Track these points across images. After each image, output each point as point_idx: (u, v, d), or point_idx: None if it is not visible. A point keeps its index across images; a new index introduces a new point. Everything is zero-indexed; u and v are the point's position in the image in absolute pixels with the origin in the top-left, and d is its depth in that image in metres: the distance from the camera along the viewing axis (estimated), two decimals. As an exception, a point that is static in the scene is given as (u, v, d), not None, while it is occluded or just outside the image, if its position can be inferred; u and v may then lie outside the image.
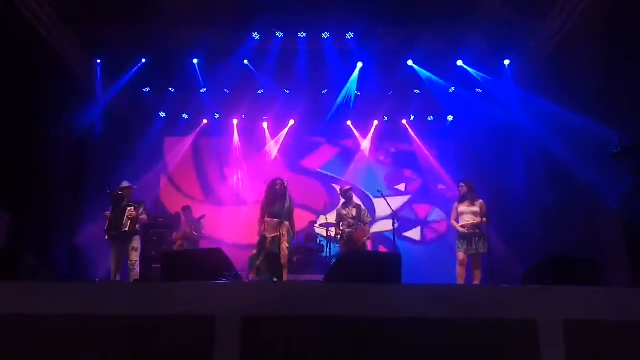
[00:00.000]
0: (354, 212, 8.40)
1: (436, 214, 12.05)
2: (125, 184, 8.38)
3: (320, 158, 12.68)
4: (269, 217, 7.64)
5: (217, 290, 3.17)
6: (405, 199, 12.26)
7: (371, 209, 11.10)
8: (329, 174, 12.45)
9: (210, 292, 3.13)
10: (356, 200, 8.83)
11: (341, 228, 8.41)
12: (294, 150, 12.51)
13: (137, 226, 8.04)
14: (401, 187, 12.39)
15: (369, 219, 8.57)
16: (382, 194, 8.98)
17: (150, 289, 3.23)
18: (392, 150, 12.56)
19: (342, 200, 8.72)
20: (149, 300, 3.05)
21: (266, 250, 7.45)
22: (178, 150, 12.33)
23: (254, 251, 7.72)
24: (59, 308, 2.95)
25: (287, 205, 7.69)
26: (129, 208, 7.97)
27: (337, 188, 9.08)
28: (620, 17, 7.06)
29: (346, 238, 8.29)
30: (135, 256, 7.96)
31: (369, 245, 8.73)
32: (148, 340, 2.90)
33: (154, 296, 3.09)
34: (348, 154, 12.57)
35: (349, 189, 8.66)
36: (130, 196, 8.31)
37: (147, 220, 8.48)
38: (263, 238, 7.56)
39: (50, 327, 2.89)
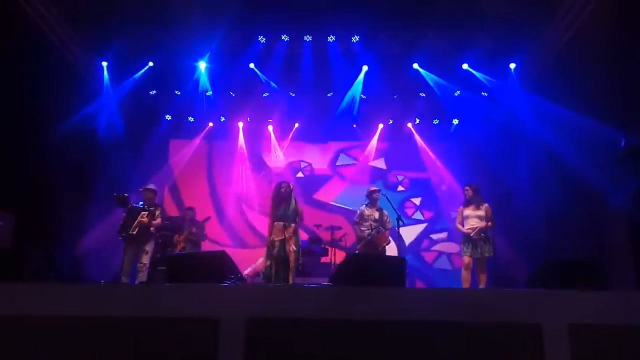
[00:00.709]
0: (376, 214, 8.36)
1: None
2: (149, 186, 8.45)
3: (332, 191, 12.45)
4: (275, 220, 7.65)
5: (221, 293, 3.17)
6: (422, 227, 12.18)
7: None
8: (343, 206, 12.18)
9: (214, 294, 3.13)
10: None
11: (361, 229, 8.34)
12: (307, 184, 12.38)
13: (151, 229, 8.10)
14: (417, 215, 12.28)
15: (390, 225, 8.46)
16: (385, 196, 8.93)
17: (155, 291, 3.24)
18: (400, 189, 12.46)
19: (367, 201, 8.66)
20: (154, 302, 3.06)
21: (274, 256, 7.44)
22: (184, 153, 12.35)
23: (268, 262, 7.64)
24: (63, 309, 2.95)
25: (292, 207, 7.68)
26: (142, 212, 8.02)
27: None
28: (626, 20, 7.04)
29: (365, 242, 8.22)
30: (145, 259, 8.02)
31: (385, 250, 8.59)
32: (153, 342, 2.90)
33: (159, 298, 3.09)
34: (357, 186, 12.16)
35: (376, 190, 8.60)
36: (152, 199, 8.35)
37: (161, 224, 8.51)
38: (271, 243, 7.56)
39: (54, 328, 2.89)
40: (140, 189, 8.46)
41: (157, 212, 8.22)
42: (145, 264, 8.00)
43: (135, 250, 7.98)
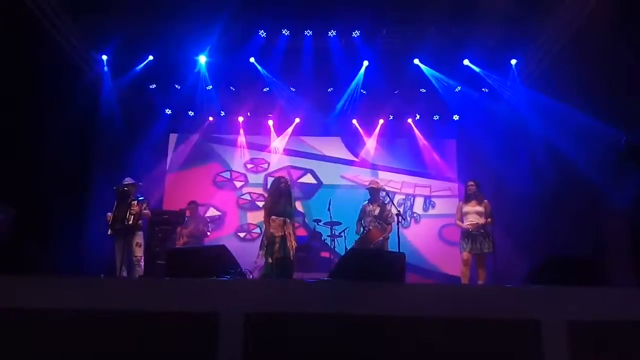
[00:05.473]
0: (377, 210, 8.27)
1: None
2: (128, 180, 8.38)
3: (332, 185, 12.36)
4: (274, 215, 7.63)
5: (221, 287, 3.17)
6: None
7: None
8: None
9: (214, 288, 3.13)
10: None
11: (363, 225, 8.29)
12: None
13: (139, 222, 8.07)
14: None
15: (392, 220, 8.38)
16: (386, 193, 8.90)
17: (155, 285, 3.24)
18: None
19: (369, 197, 8.56)
20: (153, 296, 3.05)
21: (275, 255, 7.40)
22: (183, 147, 12.32)
23: (269, 260, 7.58)
24: (63, 302, 2.95)
25: (293, 203, 7.70)
26: (132, 202, 7.99)
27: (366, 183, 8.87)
28: (629, 16, 7.02)
29: (359, 238, 8.18)
30: (139, 252, 8.00)
31: (387, 245, 8.50)
32: (151, 336, 2.90)
33: (158, 292, 3.09)
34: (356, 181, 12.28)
35: (378, 187, 8.55)
36: (134, 193, 8.33)
37: (150, 215, 8.56)
38: (271, 238, 7.51)
39: (53, 321, 2.89)
40: (125, 188, 8.25)
41: (145, 205, 8.22)
42: (140, 257, 7.98)
43: (127, 242, 7.89)
